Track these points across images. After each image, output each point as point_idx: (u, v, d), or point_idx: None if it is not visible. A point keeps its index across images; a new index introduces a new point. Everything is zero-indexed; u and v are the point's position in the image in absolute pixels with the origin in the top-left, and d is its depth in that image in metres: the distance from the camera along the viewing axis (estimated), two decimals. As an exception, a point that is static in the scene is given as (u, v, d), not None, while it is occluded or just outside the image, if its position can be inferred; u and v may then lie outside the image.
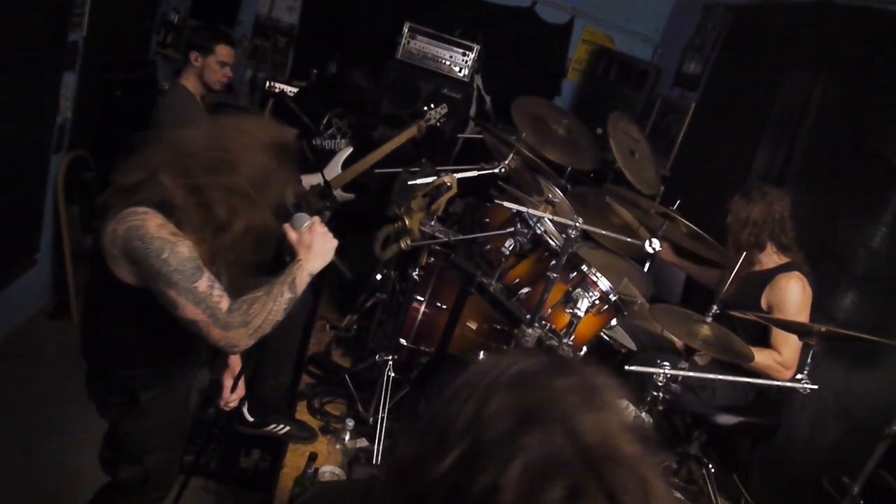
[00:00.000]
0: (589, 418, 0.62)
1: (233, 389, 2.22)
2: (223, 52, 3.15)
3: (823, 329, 2.02)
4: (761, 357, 2.68)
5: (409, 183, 2.63)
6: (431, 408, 0.72)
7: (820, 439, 2.96)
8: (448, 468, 0.62)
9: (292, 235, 1.81)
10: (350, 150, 4.11)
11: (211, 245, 1.69)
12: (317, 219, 1.85)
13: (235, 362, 2.25)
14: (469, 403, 0.65)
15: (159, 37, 5.11)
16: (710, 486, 2.80)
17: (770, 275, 2.86)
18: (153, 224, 1.59)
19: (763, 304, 2.84)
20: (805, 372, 2.04)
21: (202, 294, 1.60)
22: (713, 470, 2.82)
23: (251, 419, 2.61)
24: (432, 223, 2.54)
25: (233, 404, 2.25)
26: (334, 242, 1.84)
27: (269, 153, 1.72)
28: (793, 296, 2.77)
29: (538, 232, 2.55)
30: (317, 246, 1.79)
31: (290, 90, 4.21)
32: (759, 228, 2.90)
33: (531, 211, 2.36)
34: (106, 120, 4.02)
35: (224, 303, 1.64)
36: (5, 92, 2.86)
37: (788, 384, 2.07)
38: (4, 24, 2.74)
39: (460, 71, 5.13)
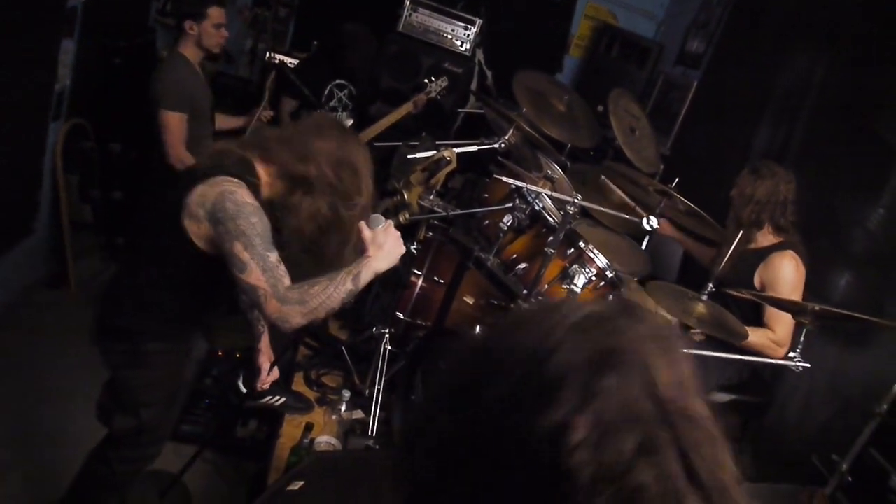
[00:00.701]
0: (665, 370, 0.59)
1: (269, 371, 2.33)
2: (216, 14, 3.16)
3: (817, 308, 2.03)
4: (755, 336, 2.70)
5: (409, 157, 2.63)
6: (483, 336, 0.68)
7: (811, 418, 3.00)
8: (508, 396, 0.58)
9: (366, 233, 1.86)
10: (351, 122, 4.10)
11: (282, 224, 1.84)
12: (390, 223, 1.92)
13: (266, 346, 2.35)
14: (539, 336, 0.60)
15: (159, 4, 5.04)
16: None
17: (764, 253, 2.86)
18: (245, 193, 1.75)
19: (756, 282, 2.85)
20: (798, 350, 2.06)
21: (272, 263, 1.71)
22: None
23: (245, 390, 2.63)
24: (431, 197, 2.54)
25: (267, 386, 2.37)
26: (402, 247, 1.91)
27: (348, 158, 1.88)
28: (786, 274, 2.78)
29: (536, 208, 2.55)
30: (387, 247, 1.86)
31: (291, 61, 4.17)
32: (761, 207, 2.89)
33: (530, 186, 2.36)
34: (105, 88, 4.00)
35: (287, 279, 1.73)
36: (2, 58, 2.84)
37: (781, 362, 2.09)
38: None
39: (462, 45, 5.09)
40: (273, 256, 1.72)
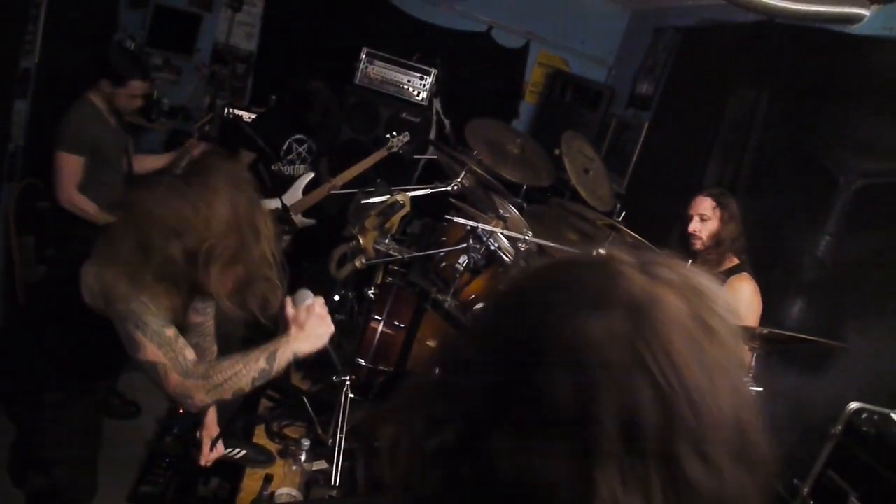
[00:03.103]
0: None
1: (211, 448, 2.22)
2: (136, 86, 3.21)
3: (766, 331, 2.06)
4: None
5: (363, 202, 2.65)
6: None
7: (775, 444, 3.00)
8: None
9: (289, 310, 1.77)
10: (311, 175, 4.13)
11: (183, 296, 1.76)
12: (320, 300, 1.80)
13: (212, 421, 2.25)
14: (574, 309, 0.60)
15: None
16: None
17: (724, 276, 2.90)
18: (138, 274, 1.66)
19: None
20: (749, 375, 2.08)
21: (168, 338, 1.64)
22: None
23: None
24: (386, 241, 2.55)
25: (210, 463, 2.25)
26: (329, 328, 1.77)
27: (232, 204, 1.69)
28: (744, 298, 2.82)
29: (491, 248, 2.58)
30: (309, 328, 1.73)
31: (249, 116, 4.21)
32: (740, 228, 2.94)
33: (482, 226, 2.39)
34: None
35: (189, 353, 1.66)
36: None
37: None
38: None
39: (419, 95, 5.20)
40: (170, 331, 1.65)
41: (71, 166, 3.12)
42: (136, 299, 1.64)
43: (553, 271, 0.67)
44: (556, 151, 4.43)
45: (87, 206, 3.17)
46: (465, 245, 2.52)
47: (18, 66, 3.28)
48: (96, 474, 2.12)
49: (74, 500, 2.07)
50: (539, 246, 3.09)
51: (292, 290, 1.87)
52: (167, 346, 1.63)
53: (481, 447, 0.58)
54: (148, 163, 3.62)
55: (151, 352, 1.63)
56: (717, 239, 2.91)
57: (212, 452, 2.22)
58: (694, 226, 2.92)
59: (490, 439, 0.58)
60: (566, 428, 0.55)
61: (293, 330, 1.73)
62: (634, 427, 0.54)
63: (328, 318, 1.78)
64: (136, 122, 5.01)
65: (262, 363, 1.67)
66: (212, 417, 2.24)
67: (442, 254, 2.77)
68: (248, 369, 1.66)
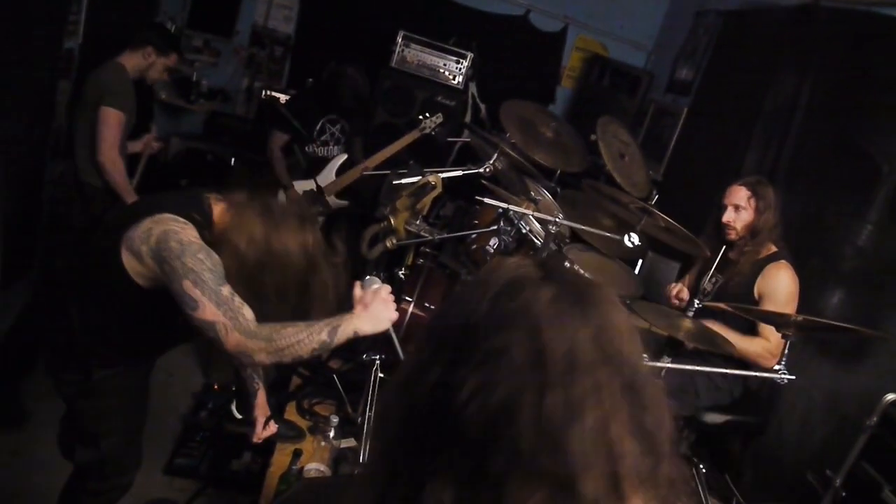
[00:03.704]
0: (557, 331, 0.64)
1: (264, 427, 2.30)
2: (174, 59, 3.33)
3: (800, 318, 2.02)
4: (750, 345, 2.68)
5: (394, 182, 2.66)
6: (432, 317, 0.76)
7: (810, 436, 2.96)
8: (436, 361, 0.66)
9: (357, 291, 1.82)
10: (344, 156, 4.15)
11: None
12: (387, 287, 1.85)
13: (263, 402, 2.31)
14: (464, 311, 0.68)
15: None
16: (700, 487, 2.79)
17: (762, 263, 2.85)
18: (190, 231, 1.70)
19: (755, 292, 2.84)
20: (783, 363, 2.05)
21: (225, 297, 1.64)
22: (703, 470, 2.82)
23: (239, 416, 2.63)
24: (417, 222, 2.56)
25: (262, 439, 2.33)
26: (392, 314, 1.81)
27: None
28: (783, 285, 2.77)
29: (523, 230, 2.57)
30: (373, 308, 1.77)
31: (283, 97, 4.25)
32: (776, 218, 2.88)
33: (513, 208, 2.38)
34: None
35: (246, 311, 1.67)
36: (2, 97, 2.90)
37: (766, 374, 2.08)
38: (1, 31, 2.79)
39: (454, 79, 5.19)
40: (226, 289, 1.66)
41: (116, 123, 3.08)
42: (193, 255, 1.64)
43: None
44: (592, 137, 4.39)
45: (121, 168, 3.15)
46: (496, 227, 2.51)
47: (62, 47, 3.36)
48: (141, 446, 2.18)
49: (121, 471, 2.12)
50: (570, 229, 3.07)
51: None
52: (225, 305, 1.63)
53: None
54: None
55: (210, 311, 1.62)
56: (752, 229, 2.86)
57: (264, 430, 2.29)
58: (728, 216, 2.87)
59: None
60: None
61: (358, 308, 1.77)
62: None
63: (392, 305, 1.82)
64: (175, 104, 5.10)
65: (324, 335, 1.68)
66: (262, 397, 2.29)
67: (473, 236, 2.77)
68: (311, 339, 1.67)
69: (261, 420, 2.29)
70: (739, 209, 2.86)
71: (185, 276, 1.62)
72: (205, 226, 1.75)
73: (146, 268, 1.69)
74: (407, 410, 0.67)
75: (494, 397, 0.60)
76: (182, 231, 1.68)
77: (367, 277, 1.89)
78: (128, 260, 1.70)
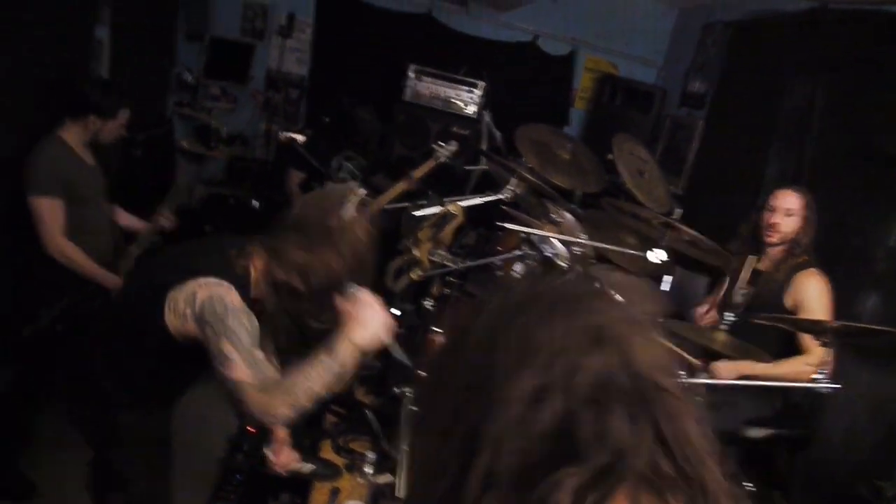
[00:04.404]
0: (641, 347, 0.64)
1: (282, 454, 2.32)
2: (124, 116, 3.03)
3: (837, 325, 1.99)
4: (790, 366, 2.64)
5: (415, 214, 2.67)
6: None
7: (857, 445, 2.89)
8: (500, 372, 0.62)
9: (339, 305, 1.80)
10: (364, 192, 4.18)
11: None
12: (364, 290, 1.84)
13: (281, 434, 2.31)
14: (529, 316, 0.65)
15: (175, 97, 5.29)
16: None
17: (791, 273, 2.81)
18: (234, 296, 1.76)
19: (787, 303, 2.79)
20: (826, 372, 2.00)
21: (258, 359, 1.71)
22: (752, 488, 2.75)
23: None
24: (441, 252, 2.56)
25: (286, 468, 2.34)
26: (380, 314, 1.80)
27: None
28: (815, 292, 2.72)
29: (547, 254, 2.56)
30: (361, 315, 1.77)
31: (301, 138, 4.31)
32: (815, 230, 2.86)
33: (534, 231, 2.38)
34: (125, 179, 4.15)
35: (271, 373, 1.73)
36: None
37: (808, 385, 2.03)
38: (23, 86, 2.86)
39: (467, 108, 5.24)
40: (260, 354, 1.72)
41: (48, 210, 2.78)
42: (235, 317, 1.70)
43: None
44: (609, 156, 4.39)
45: (75, 255, 2.86)
46: (519, 252, 2.50)
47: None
48: (170, 488, 2.19)
49: None
50: (595, 250, 3.06)
51: None
52: (255, 366, 1.68)
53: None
54: (124, 218, 3.30)
55: (240, 370, 1.67)
56: (795, 237, 2.83)
57: (283, 457, 2.30)
58: (777, 218, 2.83)
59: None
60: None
61: (347, 321, 1.77)
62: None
63: (376, 303, 1.81)
64: (196, 151, 5.20)
65: (323, 359, 1.70)
66: (280, 431, 2.30)
67: (497, 262, 2.76)
68: (316, 369, 1.69)
69: (279, 449, 2.30)
70: (790, 214, 2.83)
71: (225, 336, 1.68)
72: (245, 283, 1.82)
73: (187, 328, 1.75)
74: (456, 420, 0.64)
75: (612, 417, 0.58)
76: (227, 295, 1.74)
77: (347, 285, 1.84)
78: (170, 318, 1.75)
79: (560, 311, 0.65)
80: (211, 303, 1.71)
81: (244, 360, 1.67)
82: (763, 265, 2.89)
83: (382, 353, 2.96)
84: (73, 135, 2.91)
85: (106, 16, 3.59)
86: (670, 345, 0.72)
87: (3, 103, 2.76)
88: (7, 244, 2.98)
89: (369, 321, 1.78)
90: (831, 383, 1.97)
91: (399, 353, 1.92)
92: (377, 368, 3.51)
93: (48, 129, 2.88)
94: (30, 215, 2.79)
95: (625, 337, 0.64)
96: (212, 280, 1.76)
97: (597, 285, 0.75)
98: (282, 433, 2.30)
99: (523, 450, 0.59)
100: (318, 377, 1.68)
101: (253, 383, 1.67)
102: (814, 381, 1.98)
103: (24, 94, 2.90)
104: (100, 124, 2.92)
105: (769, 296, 2.82)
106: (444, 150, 4.13)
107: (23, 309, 2.97)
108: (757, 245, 2.91)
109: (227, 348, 1.68)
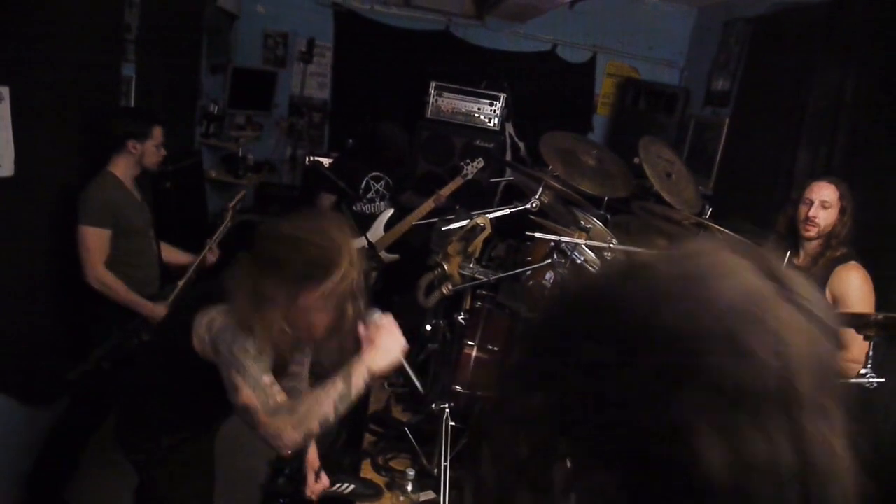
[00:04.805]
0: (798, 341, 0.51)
1: (316, 479, 2.29)
2: (158, 133, 3.10)
3: (881, 317, 1.93)
4: None
5: (443, 228, 2.68)
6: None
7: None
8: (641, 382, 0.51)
9: (360, 331, 1.82)
10: (391, 211, 4.22)
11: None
12: (387, 315, 1.85)
13: (314, 455, 2.32)
14: (682, 317, 0.52)
15: (202, 128, 5.38)
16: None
17: (831, 267, 2.75)
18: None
19: (827, 297, 2.72)
20: (869, 366, 1.95)
21: (264, 384, 1.73)
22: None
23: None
24: (471, 265, 2.56)
25: (317, 494, 2.31)
26: (399, 341, 1.82)
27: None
28: (855, 285, 2.65)
29: (577, 261, 2.54)
30: (379, 342, 1.79)
31: (326, 161, 4.36)
32: (853, 223, 2.78)
33: (564, 239, 2.36)
34: (157, 210, 4.22)
35: (280, 397, 1.74)
36: (59, 193, 3.02)
37: (853, 380, 1.98)
38: (60, 126, 2.93)
39: (490, 121, 5.25)
40: (267, 379, 1.74)
41: (94, 240, 2.91)
42: (241, 346, 1.73)
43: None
44: (636, 160, 4.36)
45: (115, 285, 2.95)
46: (550, 261, 2.49)
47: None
48: None
49: None
50: (626, 254, 3.02)
51: None
52: (261, 391, 1.71)
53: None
54: (170, 254, 3.40)
55: (246, 395, 1.71)
56: (833, 229, 2.76)
57: (317, 484, 2.28)
58: (814, 211, 2.77)
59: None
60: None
61: (365, 346, 1.79)
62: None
63: (397, 331, 1.82)
64: (224, 180, 5.28)
65: (339, 385, 1.72)
66: (313, 452, 2.31)
67: (528, 272, 2.75)
68: (328, 394, 1.71)
69: (311, 474, 2.29)
70: (826, 206, 2.77)
71: (231, 366, 1.72)
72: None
73: (206, 353, 1.79)
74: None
75: (753, 442, 0.48)
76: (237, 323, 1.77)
77: (369, 311, 1.85)
78: (196, 343, 1.80)
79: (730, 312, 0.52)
80: (224, 329, 1.75)
81: (249, 385, 1.71)
82: (800, 261, 2.83)
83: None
84: (121, 169, 3.03)
85: (131, 53, 3.68)
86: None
87: (41, 147, 2.83)
88: (53, 282, 3.05)
89: (390, 349, 1.80)
90: (877, 378, 1.91)
91: (409, 371, 1.92)
92: (413, 386, 3.52)
93: (95, 168, 2.98)
94: (75, 247, 2.90)
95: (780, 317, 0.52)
96: (229, 307, 1.79)
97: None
98: (314, 460, 2.30)
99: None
100: (332, 403, 1.71)
101: (259, 406, 1.70)
102: (859, 376, 1.92)
103: (61, 135, 2.97)
104: (140, 148, 3.03)
105: None
106: (471, 167, 4.17)
107: (71, 344, 3.07)
108: (794, 240, 2.85)
109: (234, 376, 1.72)
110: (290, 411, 1.70)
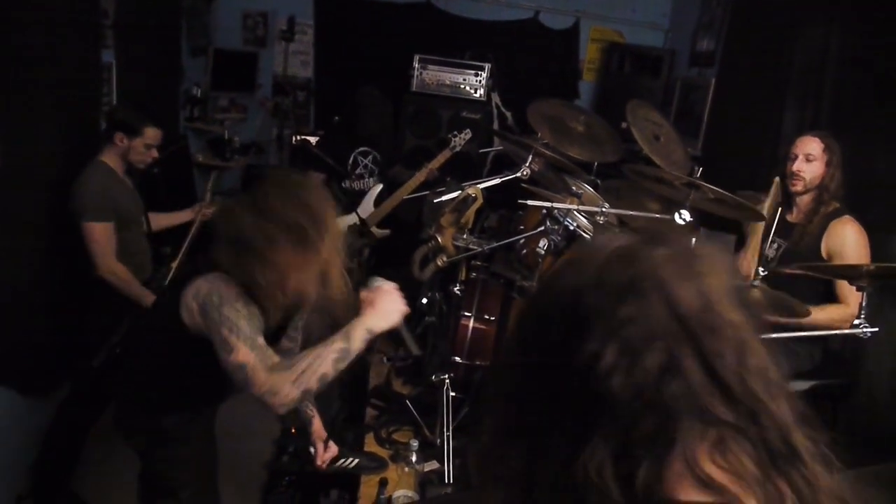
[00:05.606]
0: (686, 286, 0.64)
1: (325, 449, 2.35)
2: (151, 134, 3.04)
3: (873, 267, 1.96)
4: (827, 314, 2.60)
5: (435, 202, 2.68)
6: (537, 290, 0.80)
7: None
8: (554, 341, 0.66)
9: (363, 294, 1.87)
10: (380, 186, 4.21)
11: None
12: (390, 283, 1.90)
13: (319, 426, 2.36)
14: (572, 282, 0.68)
15: (186, 112, 5.33)
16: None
17: (825, 222, 2.77)
18: (234, 288, 1.81)
19: (823, 252, 2.75)
20: (862, 316, 1.97)
21: (259, 343, 1.75)
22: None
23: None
24: (464, 236, 2.57)
25: (326, 464, 2.37)
26: (400, 305, 1.86)
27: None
28: (851, 238, 2.68)
29: (570, 227, 2.55)
30: (380, 305, 1.83)
31: (313, 139, 4.33)
32: (842, 177, 2.80)
33: (556, 205, 2.37)
34: (145, 196, 4.19)
35: (275, 357, 1.76)
36: (43, 178, 2.99)
37: (847, 331, 2.00)
38: (44, 115, 2.90)
39: (476, 92, 5.22)
40: (260, 339, 1.76)
41: (101, 235, 2.91)
42: (231, 305, 1.76)
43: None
44: (624, 124, 4.35)
45: (126, 276, 2.96)
46: (543, 228, 2.50)
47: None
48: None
49: None
50: (619, 218, 3.04)
51: None
52: (258, 349, 1.73)
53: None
54: (162, 220, 3.46)
55: (243, 353, 1.71)
56: (820, 183, 2.78)
57: (326, 452, 2.33)
58: (798, 165, 2.78)
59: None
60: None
61: (365, 308, 1.83)
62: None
63: (397, 295, 1.87)
64: (211, 163, 5.24)
65: (339, 344, 1.76)
66: (318, 423, 2.35)
67: (521, 240, 2.76)
68: (328, 351, 1.74)
69: (320, 444, 2.35)
70: (811, 159, 2.77)
71: (223, 325, 1.74)
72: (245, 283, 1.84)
73: (195, 321, 1.81)
74: (527, 392, 0.68)
75: (646, 361, 0.60)
76: (225, 285, 1.80)
77: (370, 279, 1.93)
78: (185, 315, 1.82)
79: (603, 269, 0.67)
80: (209, 293, 1.78)
81: (245, 343, 1.72)
82: (794, 217, 2.85)
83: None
84: (111, 158, 3.01)
85: (109, 39, 3.62)
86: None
87: (28, 137, 2.80)
88: (54, 272, 3.05)
89: (389, 311, 1.84)
90: (870, 328, 1.94)
91: (409, 338, 1.97)
92: (414, 358, 3.55)
93: (79, 158, 2.96)
94: (80, 240, 2.89)
95: (667, 279, 0.64)
96: (216, 274, 1.82)
97: (655, 232, 0.77)
98: (320, 431, 2.33)
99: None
100: (330, 361, 1.74)
101: (256, 363, 1.71)
102: (853, 327, 1.95)
103: (46, 124, 2.94)
104: (127, 142, 2.98)
105: (804, 248, 2.77)
106: (459, 139, 4.15)
107: (79, 336, 3.08)
108: (786, 196, 2.86)
109: (227, 335, 1.73)
110: (289, 368, 1.72)
